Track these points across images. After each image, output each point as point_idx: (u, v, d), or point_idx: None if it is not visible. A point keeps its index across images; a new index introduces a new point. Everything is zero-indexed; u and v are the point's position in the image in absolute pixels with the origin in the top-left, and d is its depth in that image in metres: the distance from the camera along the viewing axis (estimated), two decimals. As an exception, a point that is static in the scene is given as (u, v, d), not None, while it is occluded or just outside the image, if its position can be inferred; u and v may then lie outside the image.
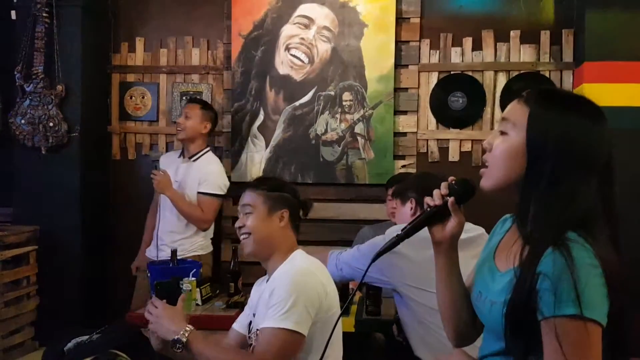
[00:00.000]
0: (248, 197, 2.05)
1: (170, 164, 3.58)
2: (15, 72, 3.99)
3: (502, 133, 1.26)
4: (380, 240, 2.33)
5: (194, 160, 3.59)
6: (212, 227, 3.68)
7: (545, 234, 1.16)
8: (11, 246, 3.80)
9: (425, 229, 1.36)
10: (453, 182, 1.33)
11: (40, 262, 4.01)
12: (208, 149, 3.68)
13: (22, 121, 4.00)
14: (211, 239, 3.69)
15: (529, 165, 1.21)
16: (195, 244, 3.56)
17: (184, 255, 3.44)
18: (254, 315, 2.04)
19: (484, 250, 1.43)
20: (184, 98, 4.21)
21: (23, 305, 3.91)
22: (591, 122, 1.22)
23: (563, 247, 1.12)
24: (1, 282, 3.70)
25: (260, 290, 2.09)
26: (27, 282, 3.95)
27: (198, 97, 4.15)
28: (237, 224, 2.06)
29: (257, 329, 1.91)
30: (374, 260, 1.36)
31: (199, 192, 3.52)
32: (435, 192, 1.34)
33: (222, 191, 3.58)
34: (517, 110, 1.25)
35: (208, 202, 3.53)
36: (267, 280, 2.04)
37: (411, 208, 2.43)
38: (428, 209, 1.34)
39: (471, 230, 2.32)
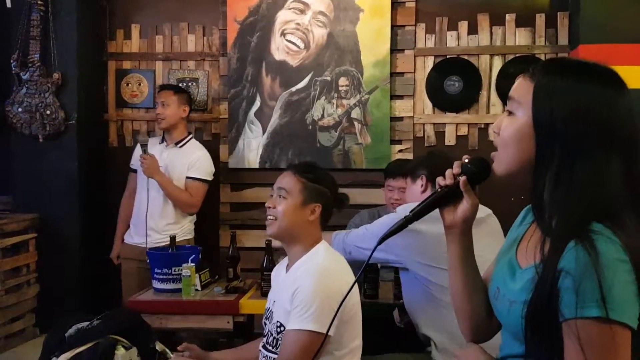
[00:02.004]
0: (287, 180, 2.01)
1: (152, 149, 3.58)
2: (12, 61, 3.99)
3: (510, 113, 1.17)
4: (392, 219, 2.32)
5: (181, 147, 3.62)
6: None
7: (566, 225, 1.05)
8: (11, 234, 3.82)
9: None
10: (467, 160, 1.24)
11: (40, 250, 4.04)
12: (191, 135, 3.75)
13: (19, 109, 4.00)
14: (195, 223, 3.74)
15: (537, 146, 1.10)
16: (184, 229, 3.61)
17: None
18: (274, 302, 2.04)
19: (507, 241, 1.30)
20: (180, 84, 4.21)
21: (23, 293, 3.94)
22: (607, 90, 1.08)
23: (586, 241, 1.00)
24: (1, 269, 3.73)
25: (279, 277, 2.10)
26: (27, 270, 3.98)
27: (190, 84, 4.17)
28: (267, 204, 2.02)
29: (278, 321, 1.93)
30: (380, 242, 1.29)
31: (187, 177, 3.57)
32: (447, 171, 1.24)
33: (210, 177, 3.67)
34: (523, 87, 1.14)
35: (197, 186, 3.59)
36: (287, 268, 2.04)
37: (422, 185, 2.39)
38: (439, 189, 1.25)
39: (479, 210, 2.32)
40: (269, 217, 2.02)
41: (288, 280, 1.97)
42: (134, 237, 3.64)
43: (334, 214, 3.98)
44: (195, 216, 3.72)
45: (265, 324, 2.07)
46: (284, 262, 2.14)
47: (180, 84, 4.20)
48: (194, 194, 3.58)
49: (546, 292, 1.03)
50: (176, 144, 3.63)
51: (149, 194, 3.53)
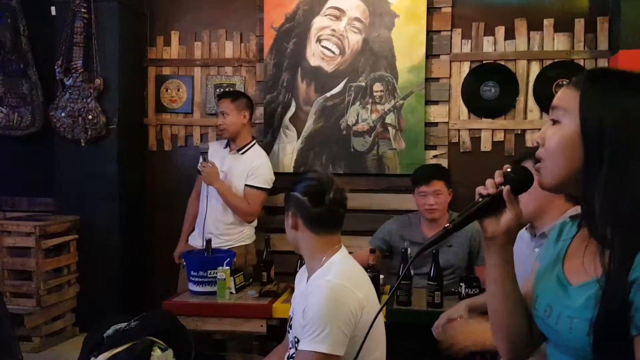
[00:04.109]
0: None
1: (216, 154, 3.62)
2: (56, 67, 4.12)
3: (554, 122, 1.14)
4: None
5: (242, 153, 3.65)
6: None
7: (630, 235, 1.01)
8: (53, 235, 3.94)
9: None
10: (509, 169, 1.19)
11: (81, 251, 4.15)
12: (254, 141, 3.75)
13: (63, 114, 4.13)
14: (255, 227, 3.77)
15: (585, 154, 1.07)
16: (243, 234, 3.64)
17: (232, 245, 3.54)
18: (293, 312, 2.03)
19: (545, 257, 1.26)
20: (217, 90, 4.28)
21: (64, 293, 4.06)
22: None
23: None
24: (43, 270, 3.85)
25: (300, 285, 2.08)
26: (68, 270, 4.09)
27: (227, 89, 4.19)
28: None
29: (296, 337, 1.91)
30: (418, 255, 1.25)
31: (246, 185, 3.58)
32: (489, 180, 1.19)
33: (268, 185, 3.66)
34: (568, 95, 1.12)
35: (255, 195, 3.59)
36: (307, 279, 2.02)
37: None
38: (480, 199, 1.20)
39: None
40: None
41: (305, 292, 1.94)
42: (196, 239, 3.67)
43: (368, 219, 3.99)
44: (256, 221, 3.74)
45: (288, 331, 2.05)
46: (305, 269, 2.11)
47: (217, 89, 4.27)
48: (252, 202, 3.58)
49: (616, 306, 0.99)
50: (238, 150, 3.65)
51: (208, 201, 3.57)
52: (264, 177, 3.63)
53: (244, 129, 3.66)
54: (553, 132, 1.13)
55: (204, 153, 3.54)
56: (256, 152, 3.70)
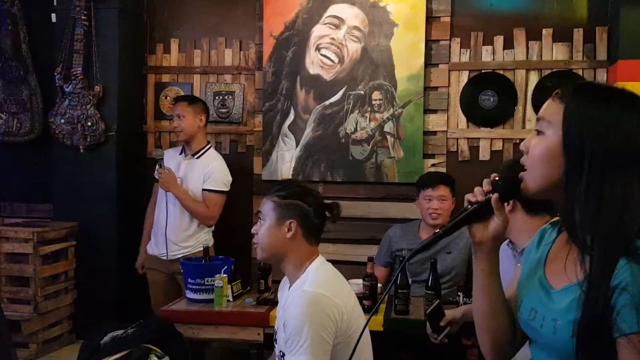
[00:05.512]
0: (262, 203, 2.02)
1: (172, 161, 3.62)
2: (56, 73, 4.13)
3: (539, 133, 1.19)
4: None
5: (197, 158, 3.64)
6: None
7: (611, 242, 1.07)
8: (51, 242, 3.94)
9: None
10: (497, 178, 1.24)
11: (78, 257, 4.14)
12: (209, 145, 3.74)
13: (62, 121, 4.13)
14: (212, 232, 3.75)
15: (567, 165, 1.13)
16: (200, 240, 3.60)
17: (190, 252, 3.54)
18: (277, 326, 2.02)
19: (526, 262, 1.32)
20: (217, 97, 4.29)
21: (61, 299, 4.05)
22: (634, 113, 1.13)
23: (639, 258, 1.04)
24: (41, 276, 3.84)
25: (282, 297, 2.07)
26: (66, 277, 4.09)
27: (226, 96, 4.21)
28: (252, 230, 2.05)
29: (281, 351, 1.90)
30: (408, 259, 1.31)
31: (204, 189, 3.58)
32: (477, 188, 1.25)
33: (226, 187, 3.64)
34: (553, 108, 1.17)
35: (213, 198, 3.59)
36: (289, 287, 2.01)
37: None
38: (469, 206, 1.25)
39: None
40: (254, 243, 2.05)
41: (285, 304, 1.94)
42: (154, 248, 3.66)
43: (367, 227, 4.00)
44: (213, 226, 3.72)
45: (274, 345, 2.04)
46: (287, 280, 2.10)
47: (217, 97, 4.28)
48: (211, 206, 3.57)
49: (599, 309, 1.04)
50: (193, 155, 3.64)
51: (167, 207, 3.57)
52: (220, 180, 3.60)
53: (199, 132, 3.66)
54: (537, 142, 1.19)
55: (160, 159, 3.54)
56: (211, 155, 3.68)
